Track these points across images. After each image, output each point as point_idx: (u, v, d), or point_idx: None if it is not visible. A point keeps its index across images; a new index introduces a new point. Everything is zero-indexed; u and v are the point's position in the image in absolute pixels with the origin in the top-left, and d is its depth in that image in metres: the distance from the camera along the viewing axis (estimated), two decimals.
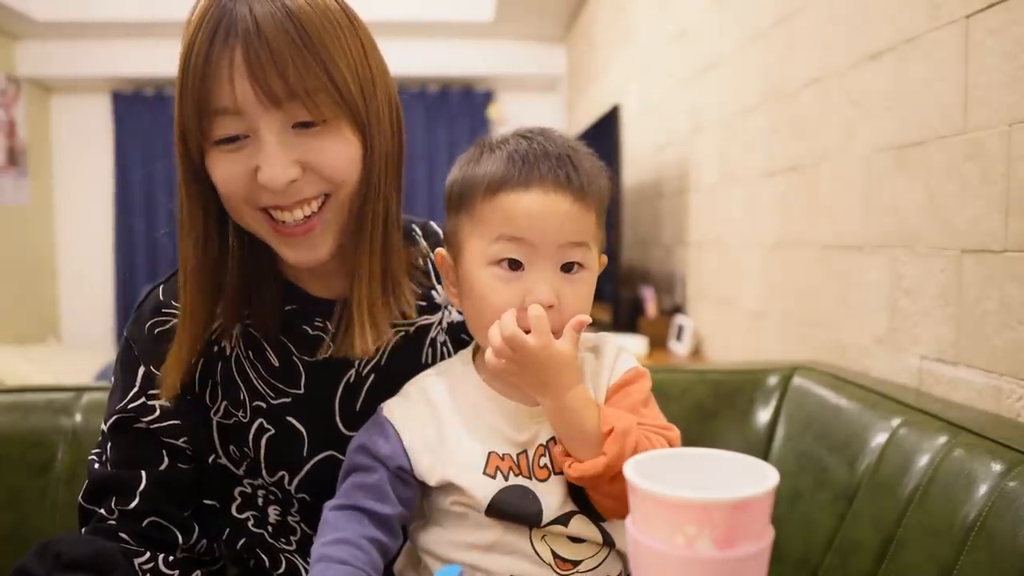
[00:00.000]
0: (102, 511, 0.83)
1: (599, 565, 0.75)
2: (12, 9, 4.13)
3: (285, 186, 0.72)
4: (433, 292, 0.91)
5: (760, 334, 1.97)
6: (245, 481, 0.89)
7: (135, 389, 0.84)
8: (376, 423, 0.79)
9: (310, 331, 0.86)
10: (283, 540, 0.90)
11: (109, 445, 0.85)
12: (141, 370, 0.84)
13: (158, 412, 0.83)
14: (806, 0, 1.67)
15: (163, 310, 0.85)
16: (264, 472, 0.86)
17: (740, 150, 2.09)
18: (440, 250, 0.80)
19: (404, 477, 0.76)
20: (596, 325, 2.90)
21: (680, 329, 2.47)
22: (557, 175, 0.72)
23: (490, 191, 0.73)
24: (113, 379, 0.88)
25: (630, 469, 0.53)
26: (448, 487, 0.75)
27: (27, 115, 4.75)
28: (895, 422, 1.03)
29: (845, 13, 1.51)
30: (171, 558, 0.82)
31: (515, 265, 0.72)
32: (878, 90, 1.39)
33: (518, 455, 0.75)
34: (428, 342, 0.90)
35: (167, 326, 0.84)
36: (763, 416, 1.30)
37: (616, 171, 2.66)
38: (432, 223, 0.96)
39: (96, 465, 0.85)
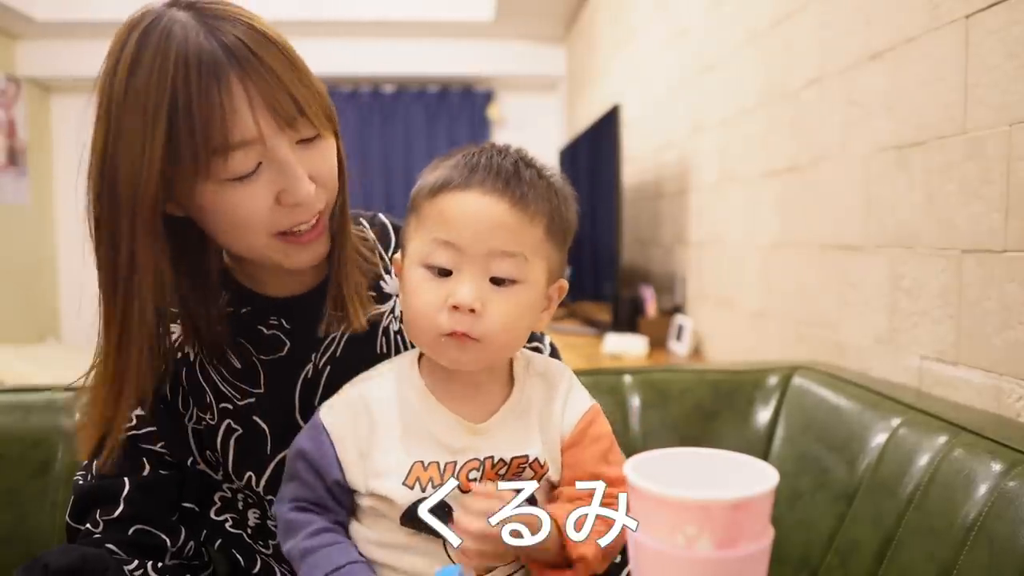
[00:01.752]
0: (87, 526, 0.83)
1: (512, 574, 0.75)
2: (12, 9, 4.13)
3: (312, 200, 0.74)
4: (381, 282, 0.91)
5: (760, 334, 1.97)
6: (224, 486, 0.89)
7: None
8: (315, 428, 0.77)
9: (266, 331, 0.86)
10: (261, 543, 0.90)
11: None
12: None
13: (135, 420, 0.84)
14: (806, 0, 1.67)
15: None
16: (232, 475, 0.86)
17: (740, 150, 2.09)
18: (396, 256, 0.80)
19: (339, 490, 0.76)
20: (597, 326, 2.90)
21: (680, 329, 2.48)
22: (496, 182, 0.71)
23: (432, 192, 0.73)
24: None
25: (630, 469, 0.53)
26: (370, 492, 0.75)
27: (27, 115, 4.75)
28: (895, 422, 1.03)
29: (844, 13, 1.51)
30: (159, 564, 0.82)
31: (444, 273, 0.71)
32: (878, 90, 1.39)
33: (446, 464, 0.74)
34: (381, 331, 0.90)
35: None
36: (763, 416, 1.30)
37: (616, 171, 2.66)
38: (380, 215, 0.97)
39: (81, 482, 0.85)
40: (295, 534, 0.75)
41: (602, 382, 1.33)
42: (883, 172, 1.38)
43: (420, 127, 5.19)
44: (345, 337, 0.88)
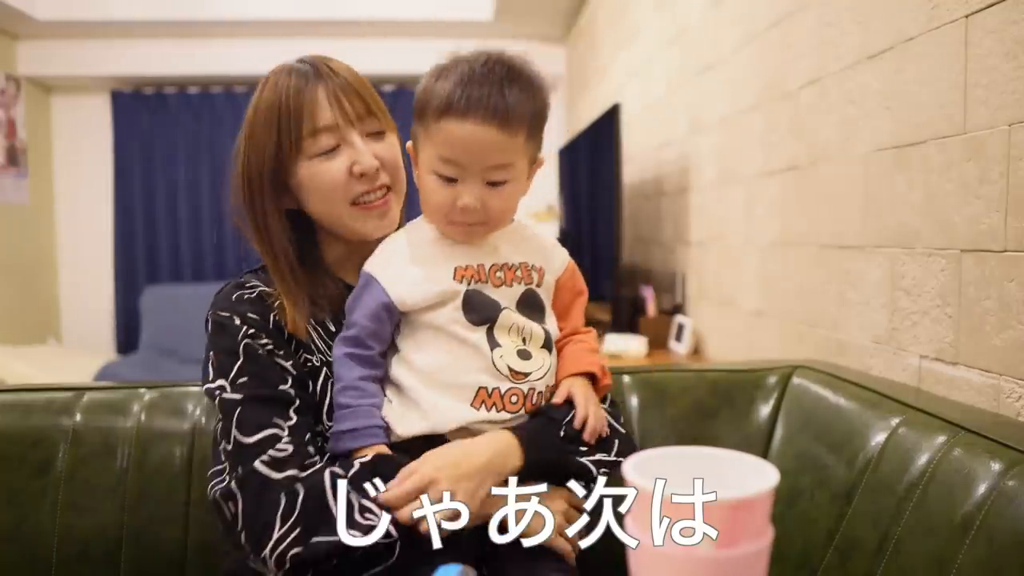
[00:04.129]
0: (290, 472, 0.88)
1: (543, 376, 0.95)
2: (12, 9, 4.12)
3: (376, 171, 0.99)
4: None
5: (760, 333, 1.97)
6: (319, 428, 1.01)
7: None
8: (364, 284, 0.96)
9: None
10: None
11: (244, 376, 0.93)
12: (243, 330, 0.95)
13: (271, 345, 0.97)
14: (805, 0, 1.67)
15: (246, 285, 1.00)
16: (324, 416, 0.97)
17: (740, 149, 2.09)
18: (409, 144, 0.99)
19: (385, 315, 0.94)
20: (596, 325, 2.90)
21: (680, 328, 2.48)
22: (487, 112, 0.88)
23: (436, 114, 0.89)
24: (210, 363, 0.95)
25: (630, 469, 0.53)
26: (426, 308, 0.93)
27: (27, 115, 4.74)
28: (894, 421, 1.03)
29: (844, 13, 1.51)
30: None
31: (451, 181, 0.91)
32: (877, 90, 1.39)
33: (477, 265, 0.95)
34: None
35: (253, 293, 0.98)
36: (763, 415, 1.30)
37: (616, 170, 2.66)
38: None
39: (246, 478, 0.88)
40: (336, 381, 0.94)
41: None
42: (882, 172, 1.38)
43: None
44: None
